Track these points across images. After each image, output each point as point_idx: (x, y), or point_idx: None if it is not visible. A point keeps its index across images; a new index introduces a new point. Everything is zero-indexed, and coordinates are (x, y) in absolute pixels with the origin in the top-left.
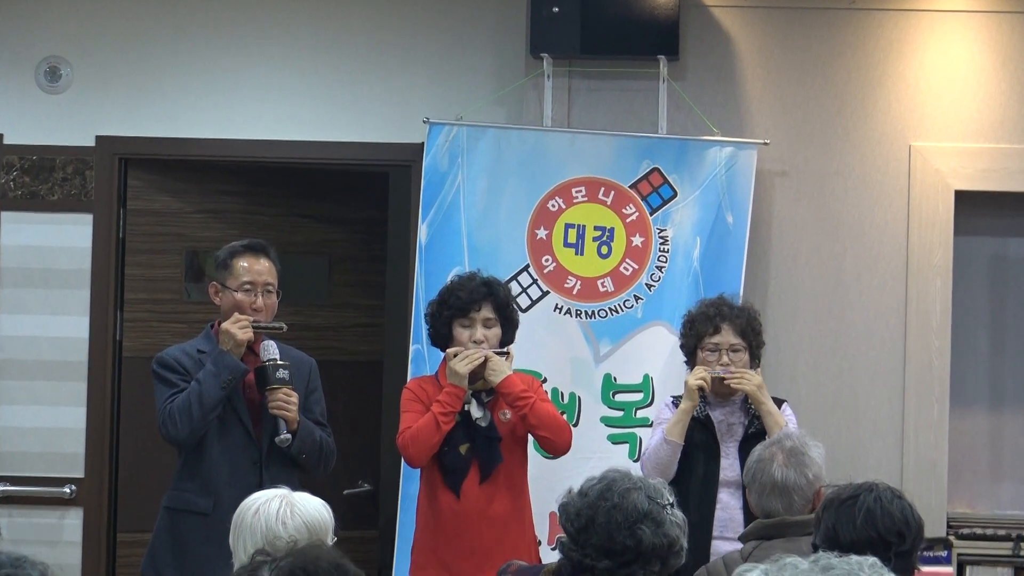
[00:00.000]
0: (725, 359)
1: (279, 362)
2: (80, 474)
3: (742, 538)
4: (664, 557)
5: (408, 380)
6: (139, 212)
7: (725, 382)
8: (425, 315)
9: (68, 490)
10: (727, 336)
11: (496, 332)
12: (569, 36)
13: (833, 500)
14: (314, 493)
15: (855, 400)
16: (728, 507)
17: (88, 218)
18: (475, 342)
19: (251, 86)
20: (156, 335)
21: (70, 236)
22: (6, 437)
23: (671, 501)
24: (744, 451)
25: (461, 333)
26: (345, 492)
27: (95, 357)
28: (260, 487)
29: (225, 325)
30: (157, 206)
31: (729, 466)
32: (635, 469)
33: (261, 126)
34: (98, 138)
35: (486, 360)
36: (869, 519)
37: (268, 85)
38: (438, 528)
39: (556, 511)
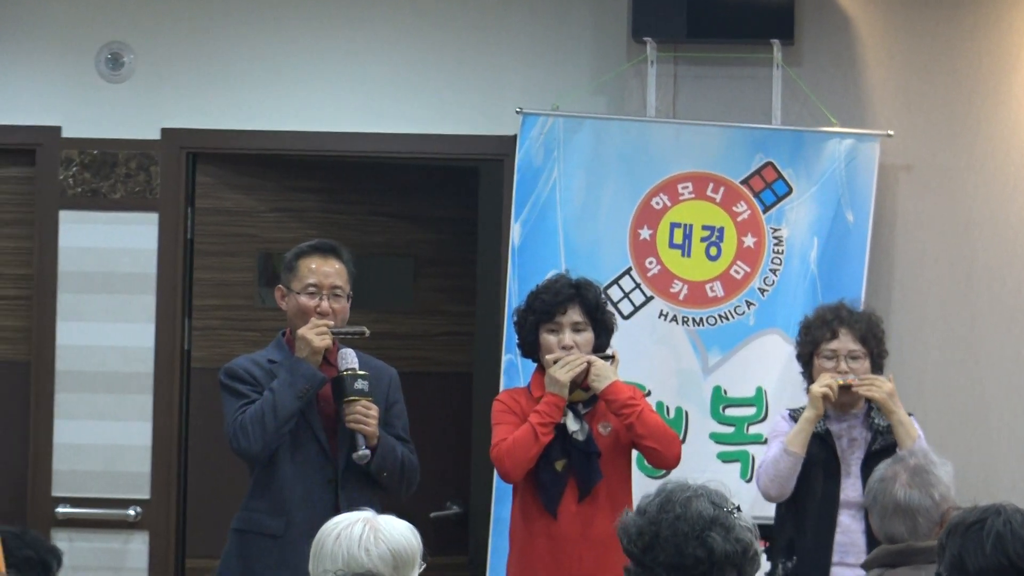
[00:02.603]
0: (844, 366)
1: (358, 372)
2: (146, 495)
3: (865, 565)
4: (739, 564)
5: (500, 392)
6: (208, 211)
7: (853, 389)
8: (513, 322)
9: (133, 512)
10: (845, 342)
11: (587, 337)
12: (675, 19)
13: (958, 525)
14: (399, 515)
15: (987, 415)
16: (849, 530)
17: (153, 217)
18: (564, 348)
19: (329, 74)
20: (227, 344)
21: (134, 237)
22: (66, 455)
23: (736, 505)
24: (868, 469)
25: (548, 339)
26: (432, 515)
27: (161, 368)
28: (336, 508)
29: (302, 331)
30: (228, 204)
31: (851, 486)
32: (748, 489)
33: (341, 117)
34: (164, 131)
35: (588, 367)
36: (999, 544)
37: (348, 73)
38: (533, 552)
39: None
